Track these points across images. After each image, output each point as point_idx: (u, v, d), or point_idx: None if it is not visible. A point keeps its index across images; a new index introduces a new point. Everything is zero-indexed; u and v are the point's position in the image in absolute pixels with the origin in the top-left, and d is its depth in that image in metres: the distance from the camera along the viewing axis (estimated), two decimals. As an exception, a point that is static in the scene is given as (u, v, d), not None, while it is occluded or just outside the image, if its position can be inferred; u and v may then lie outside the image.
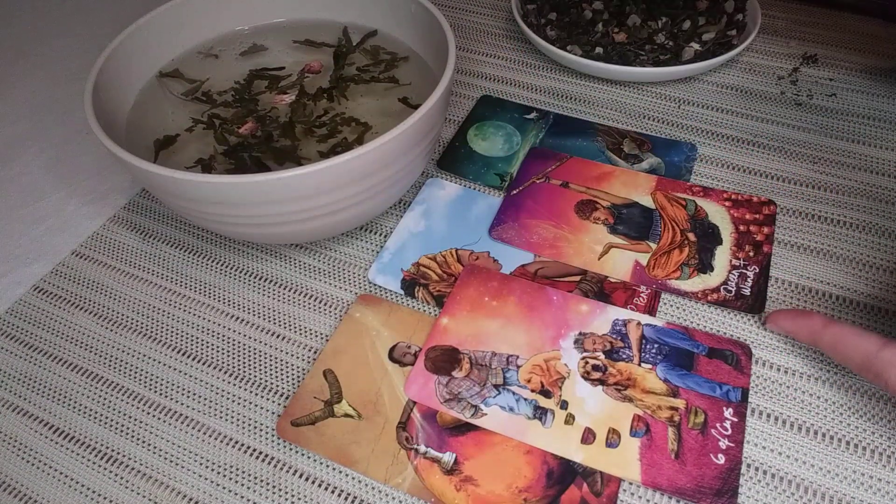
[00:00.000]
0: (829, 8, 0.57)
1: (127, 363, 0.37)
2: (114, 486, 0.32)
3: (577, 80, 0.51)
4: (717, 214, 0.41)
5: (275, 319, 0.38)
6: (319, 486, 0.32)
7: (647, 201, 0.42)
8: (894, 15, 0.55)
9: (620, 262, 0.39)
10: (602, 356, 0.35)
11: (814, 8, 0.57)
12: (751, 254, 0.39)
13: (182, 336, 0.38)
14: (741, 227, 0.40)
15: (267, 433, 0.33)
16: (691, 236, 0.40)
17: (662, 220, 0.41)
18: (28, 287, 0.41)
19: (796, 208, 0.42)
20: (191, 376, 0.36)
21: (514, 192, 0.43)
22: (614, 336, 0.35)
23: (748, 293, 0.37)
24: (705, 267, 0.38)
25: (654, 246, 0.39)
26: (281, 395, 0.35)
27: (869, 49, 0.52)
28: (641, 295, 0.37)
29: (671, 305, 0.37)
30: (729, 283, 0.37)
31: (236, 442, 0.33)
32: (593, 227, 0.40)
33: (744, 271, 0.38)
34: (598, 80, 0.51)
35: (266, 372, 0.36)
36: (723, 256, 0.39)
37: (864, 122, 0.46)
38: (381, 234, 0.42)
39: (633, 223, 0.41)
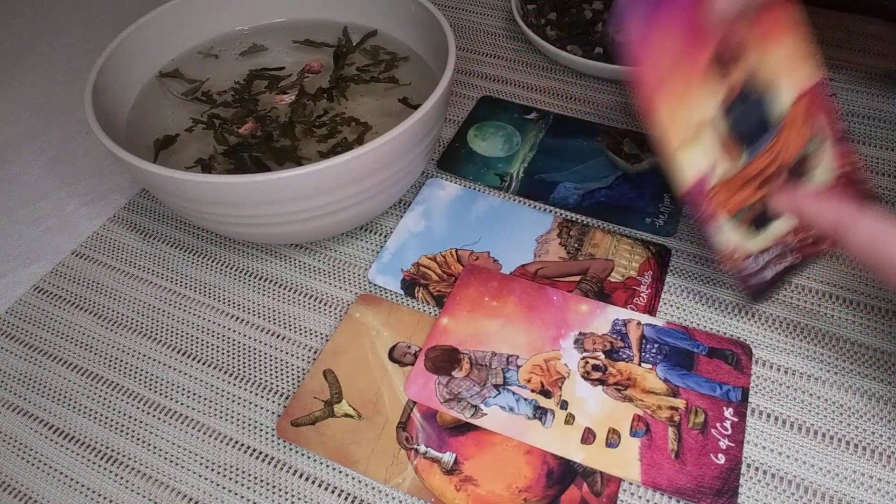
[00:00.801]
0: (829, 8, 0.57)
1: (127, 363, 0.37)
2: (114, 486, 0.32)
3: (577, 80, 0.51)
4: (823, 173, 0.33)
5: (275, 319, 0.38)
6: (319, 486, 0.32)
7: (786, 100, 0.32)
8: (894, 15, 0.55)
9: (695, 162, 0.31)
10: (602, 356, 0.35)
11: (814, 8, 0.57)
12: (808, 242, 0.34)
13: (182, 336, 0.38)
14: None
15: (267, 433, 0.33)
16: (783, 178, 0.32)
17: (777, 137, 0.32)
18: (28, 287, 0.41)
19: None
20: (191, 376, 0.36)
21: None
22: (614, 336, 0.35)
23: (766, 278, 0.33)
24: (760, 223, 0.32)
25: (743, 162, 0.31)
26: (281, 395, 0.35)
27: (869, 49, 0.52)
28: (641, 294, 0.37)
29: (671, 305, 0.37)
30: (762, 257, 0.33)
31: (236, 442, 0.33)
32: (710, 88, 0.30)
33: (784, 254, 0.33)
34: (598, 80, 0.51)
35: (266, 372, 0.36)
36: (783, 224, 0.33)
37: (864, 122, 0.46)
38: (381, 234, 0.42)
39: (749, 120, 0.31)
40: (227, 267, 0.41)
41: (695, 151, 0.31)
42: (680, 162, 0.31)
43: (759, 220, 0.32)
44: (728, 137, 0.31)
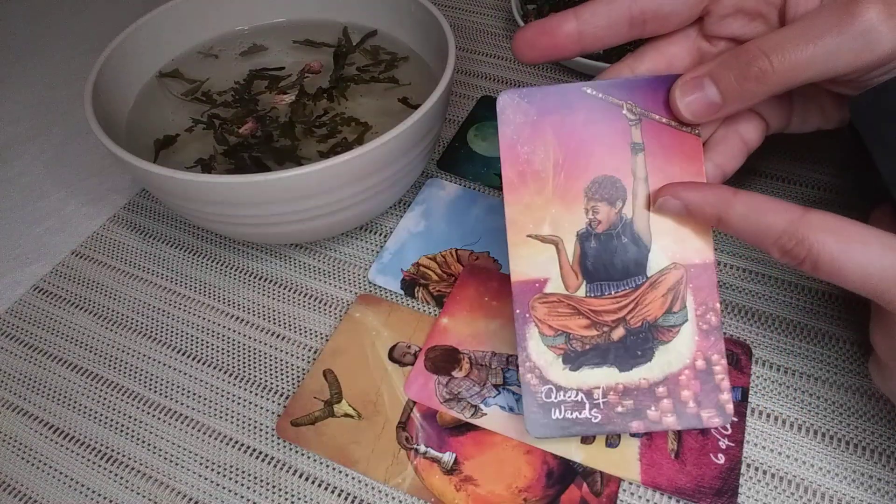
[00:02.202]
0: None
1: (127, 363, 0.37)
2: (114, 486, 0.32)
3: (577, 81, 0.51)
4: (680, 348, 0.29)
5: (275, 319, 0.38)
6: (319, 486, 0.32)
7: (657, 263, 0.29)
8: None
9: (536, 264, 0.29)
10: (602, 356, 0.35)
11: None
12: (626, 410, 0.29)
13: (182, 336, 0.38)
14: (680, 379, 0.29)
15: (267, 433, 0.33)
16: (618, 334, 0.29)
17: (635, 294, 0.29)
18: (28, 287, 0.41)
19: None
20: (191, 376, 0.36)
21: (592, 91, 0.29)
22: (614, 336, 0.35)
23: (549, 421, 0.29)
24: (568, 361, 0.29)
25: (582, 293, 0.29)
26: (281, 395, 0.35)
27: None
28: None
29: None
30: (553, 395, 0.29)
31: (236, 442, 0.33)
32: (573, 212, 0.29)
33: (579, 407, 0.29)
34: (598, 80, 0.51)
35: (266, 372, 0.36)
36: (596, 379, 0.29)
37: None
38: (381, 234, 0.42)
39: (604, 259, 0.29)
40: (227, 267, 0.41)
41: (539, 254, 0.29)
42: (520, 252, 0.29)
43: (570, 357, 0.29)
44: (575, 264, 0.29)
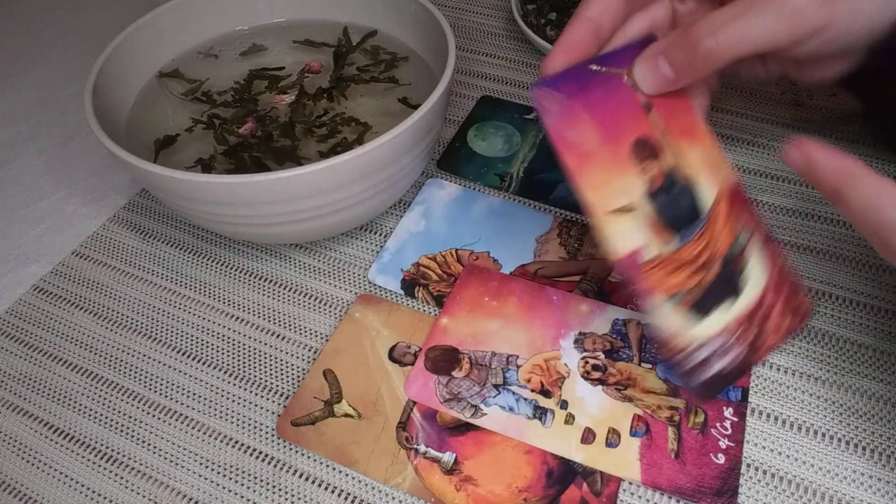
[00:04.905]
0: None
1: (127, 363, 0.37)
2: (114, 486, 0.32)
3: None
4: (756, 269, 0.31)
5: (275, 319, 0.38)
6: (319, 486, 0.32)
7: (709, 195, 0.31)
8: None
9: (626, 236, 0.30)
10: (602, 356, 0.35)
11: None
12: (749, 340, 0.30)
13: (182, 336, 0.38)
14: (767, 299, 0.31)
15: (267, 433, 0.33)
16: (714, 269, 0.30)
17: (706, 229, 0.31)
18: (28, 287, 0.41)
19: (795, 207, 0.42)
20: (191, 376, 0.36)
21: (595, 66, 0.31)
22: (614, 336, 0.35)
23: (702, 380, 0.30)
24: (700, 311, 0.30)
25: (674, 246, 0.30)
26: (281, 395, 0.35)
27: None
28: (641, 295, 0.37)
29: (671, 305, 0.37)
30: (697, 354, 0.30)
31: (236, 442, 0.33)
32: (633, 177, 0.30)
33: (728, 353, 0.30)
34: (598, 80, 0.51)
35: (266, 372, 0.36)
36: (720, 318, 0.30)
37: (864, 122, 0.46)
38: (381, 234, 0.42)
39: (676, 206, 0.31)
40: (227, 267, 0.41)
41: (625, 224, 0.30)
42: (610, 230, 0.29)
43: (700, 305, 0.30)
44: (657, 221, 0.30)
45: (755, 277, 0.31)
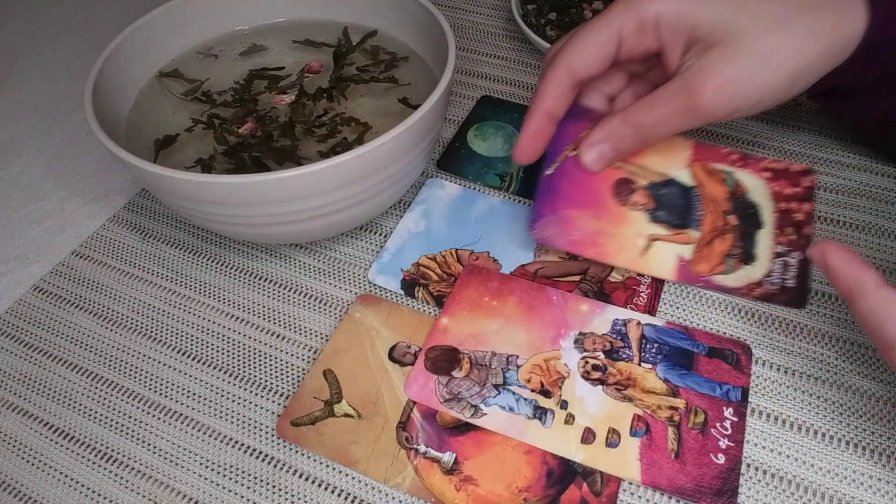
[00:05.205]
0: None
1: (127, 363, 0.37)
2: (114, 486, 0.32)
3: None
4: (758, 190, 0.37)
5: (275, 319, 0.38)
6: (319, 486, 0.32)
7: (685, 176, 0.38)
8: None
9: (664, 259, 0.36)
10: (602, 356, 0.35)
11: None
12: (793, 237, 0.36)
13: (182, 336, 0.38)
14: (782, 204, 0.37)
15: (267, 433, 0.33)
16: (733, 219, 0.36)
17: (702, 200, 0.37)
18: (28, 287, 0.41)
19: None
20: (191, 376, 0.36)
21: (549, 171, 0.38)
22: (614, 336, 0.35)
23: (793, 284, 0.35)
24: (748, 257, 0.35)
25: (696, 235, 0.36)
26: (281, 395, 0.35)
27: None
28: (641, 294, 0.37)
29: (671, 305, 0.37)
30: (773, 274, 0.35)
31: (236, 442, 0.33)
32: (633, 216, 0.37)
33: (787, 259, 0.35)
34: (598, 80, 0.51)
35: (266, 372, 0.36)
36: (765, 242, 0.36)
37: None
38: (381, 234, 0.42)
39: (674, 207, 0.37)
40: (227, 267, 0.41)
41: (656, 254, 0.36)
42: (650, 268, 0.36)
43: (746, 256, 0.36)
44: (672, 230, 0.37)
45: (760, 192, 0.37)
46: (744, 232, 0.37)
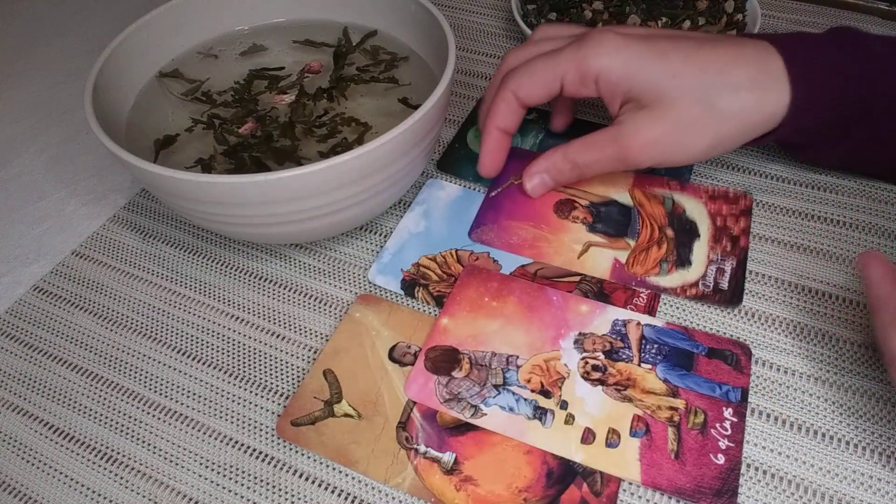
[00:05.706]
0: (829, 7, 0.57)
1: (127, 363, 0.37)
2: (114, 486, 0.32)
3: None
4: (695, 210, 0.41)
5: (275, 319, 0.38)
6: (319, 486, 0.32)
7: (626, 198, 0.42)
8: (894, 13, 0.55)
9: (600, 261, 0.39)
10: (602, 356, 0.35)
11: (814, 7, 0.57)
12: (728, 247, 0.39)
13: (182, 336, 0.38)
14: (718, 222, 0.40)
15: (267, 433, 0.33)
16: (669, 232, 0.40)
17: (641, 217, 0.41)
18: (28, 287, 0.41)
19: (795, 208, 0.42)
20: (191, 376, 0.36)
21: (493, 193, 0.43)
22: (614, 336, 0.35)
23: (725, 287, 0.37)
24: (683, 262, 0.38)
25: (632, 243, 0.40)
26: (281, 395, 0.35)
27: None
28: (641, 295, 0.37)
29: (671, 306, 0.37)
30: (707, 277, 0.38)
31: (236, 442, 0.33)
32: (573, 227, 0.41)
33: (721, 265, 0.38)
34: (598, 80, 0.51)
35: (266, 372, 0.36)
36: (700, 251, 0.39)
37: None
38: (381, 235, 0.42)
39: (612, 221, 0.41)
40: (227, 267, 0.41)
41: (594, 256, 0.39)
42: (588, 267, 0.39)
43: (681, 261, 0.39)
44: (609, 238, 0.40)
45: (697, 211, 0.41)
46: (680, 242, 0.40)
